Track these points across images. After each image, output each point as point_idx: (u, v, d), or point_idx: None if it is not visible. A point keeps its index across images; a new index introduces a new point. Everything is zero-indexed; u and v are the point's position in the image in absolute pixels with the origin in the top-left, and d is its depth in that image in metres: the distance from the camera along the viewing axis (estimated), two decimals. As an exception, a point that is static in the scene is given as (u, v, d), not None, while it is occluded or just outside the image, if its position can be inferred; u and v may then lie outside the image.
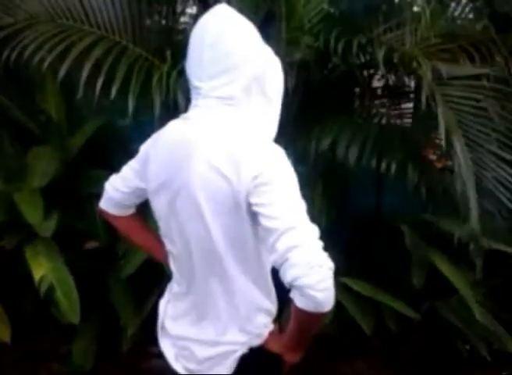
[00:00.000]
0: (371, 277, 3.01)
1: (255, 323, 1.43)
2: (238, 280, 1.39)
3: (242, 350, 1.44)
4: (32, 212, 2.63)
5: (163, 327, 1.60)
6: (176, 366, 1.54)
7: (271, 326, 1.47)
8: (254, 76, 1.37)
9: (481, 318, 2.74)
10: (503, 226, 2.61)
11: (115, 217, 1.68)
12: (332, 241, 2.98)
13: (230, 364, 1.44)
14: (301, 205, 1.27)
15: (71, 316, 2.65)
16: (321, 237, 1.24)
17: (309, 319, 1.28)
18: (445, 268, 2.86)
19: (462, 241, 2.33)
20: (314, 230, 1.24)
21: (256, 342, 1.44)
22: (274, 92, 1.42)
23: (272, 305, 1.47)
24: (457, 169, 2.12)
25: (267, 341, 1.45)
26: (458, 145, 2.08)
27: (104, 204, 1.66)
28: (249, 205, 1.30)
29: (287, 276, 1.21)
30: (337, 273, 2.99)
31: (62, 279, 2.66)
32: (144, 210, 1.68)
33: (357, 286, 2.92)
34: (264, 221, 1.26)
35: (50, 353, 3.13)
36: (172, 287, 1.60)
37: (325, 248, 1.22)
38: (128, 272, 2.85)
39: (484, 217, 2.27)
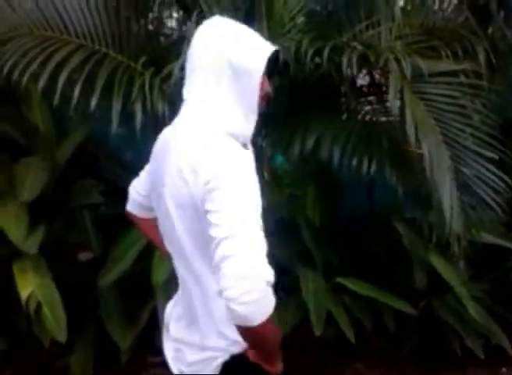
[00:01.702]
0: (367, 276, 2.99)
1: (231, 328, 1.37)
2: (209, 283, 1.36)
3: (224, 357, 1.41)
4: (15, 230, 2.61)
5: (167, 329, 1.61)
6: (173, 367, 1.55)
7: None
8: (217, 74, 1.35)
9: (475, 314, 2.73)
10: (502, 220, 2.59)
11: (138, 218, 1.70)
12: (326, 240, 3.00)
13: (213, 370, 1.42)
14: (247, 212, 1.22)
15: (58, 333, 2.61)
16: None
17: (244, 332, 1.24)
18: (439, 265, 2.84)
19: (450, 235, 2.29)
20: (251, 240, 1.19)
21: (236, 349, 1.41)
22: (242, 90, 1.38)
23: None
24: (430, 168, 2.09)
25: (247, 350, 1.41)
26: (426, 144, 2.05)
27: (128, 206, 1.70)
28: (205, 211, 1.28)
29: (219, 287, 1.18)
30: (333, 273, 2.98)
31: (49, 296, 2.64)
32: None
33: (353, 285, 2.90)
34: (208, 228, 1.24)
35: (48, 367, 3.11)
36: (178, 289, 1.61)
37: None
38: (111, 278, 2.80)
39: (474, 211, 2.26)
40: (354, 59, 2.13)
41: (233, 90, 1.36)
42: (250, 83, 1.37)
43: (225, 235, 1.19)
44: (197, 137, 1.36)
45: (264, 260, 1.18)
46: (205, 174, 1.27)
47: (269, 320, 1.20)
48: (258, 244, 1.19)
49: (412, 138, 2.05)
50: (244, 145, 1.41)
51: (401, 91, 2.10)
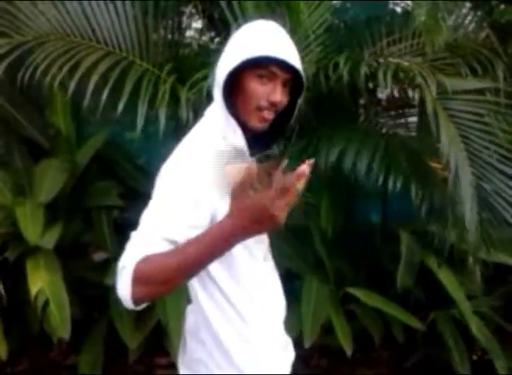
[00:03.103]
0: (377, 287, 3.02)
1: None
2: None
3: None
4: (31, 229, 2.65)
5: None
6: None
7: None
8: (217, 77, 1.34)
9: (476, 331, 2.74)
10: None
11: None
12: (339, 250, 3.02)
13: None
14: (154, 217, 1.22)
15: (62, 331, 2.66)
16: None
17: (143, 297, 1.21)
18: (445, 279, 2.85)
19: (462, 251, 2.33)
20: (132, 242, 1.21)
21: None
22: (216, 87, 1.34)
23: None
24: (453, 184, 2.13)
25: None
26: (454, 161, 2.09)
27: None
28: None
29: None
30: (344, 283, 2.98)
31: (57, 294, 2.68)
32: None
33: (363, 296, 2.93)
34: None
35: (58, 363, 3.16)
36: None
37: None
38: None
39: (488, 228, 2.29)
40: (389, 76, 2.16)
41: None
42: (217, 78, 1.33)
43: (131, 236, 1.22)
44: (182, 142, 1.34)
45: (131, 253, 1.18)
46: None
47: (137, 286, 1.15)
48: (134, 243, 1.20)
49: (445, 157, 2.08)
50: (242, 153, 1.35)
51: (434, 110, 2.13)
